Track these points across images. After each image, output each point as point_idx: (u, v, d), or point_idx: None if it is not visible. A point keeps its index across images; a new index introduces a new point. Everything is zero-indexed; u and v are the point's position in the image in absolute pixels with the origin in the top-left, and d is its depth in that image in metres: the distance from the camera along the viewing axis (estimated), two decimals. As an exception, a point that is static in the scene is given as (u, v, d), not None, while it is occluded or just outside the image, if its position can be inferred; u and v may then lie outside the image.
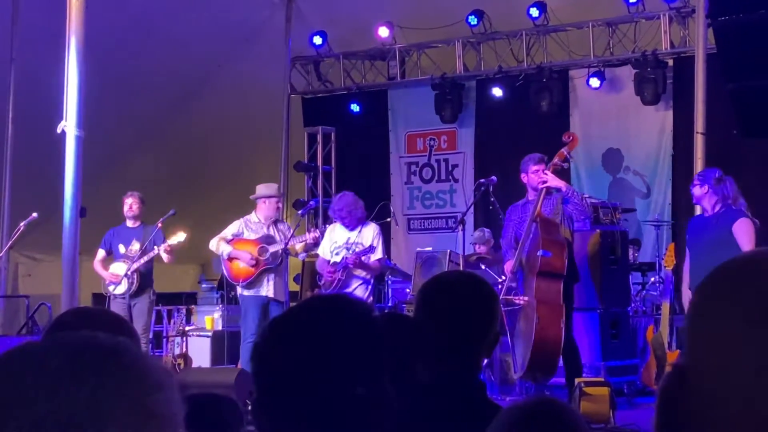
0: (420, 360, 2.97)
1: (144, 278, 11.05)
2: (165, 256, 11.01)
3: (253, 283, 10.68)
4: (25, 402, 1.14)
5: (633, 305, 11.42)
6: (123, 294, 10.98)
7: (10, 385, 1.15)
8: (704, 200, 8.61)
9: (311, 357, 1.84)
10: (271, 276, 10.68)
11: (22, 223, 11.27)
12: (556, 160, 9.46)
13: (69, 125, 8.95)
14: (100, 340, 1.22)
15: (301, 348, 1.85)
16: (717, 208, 8.54)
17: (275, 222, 10.93)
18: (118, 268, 11.08)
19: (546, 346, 8.84)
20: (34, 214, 11.18)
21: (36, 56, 12.58)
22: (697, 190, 8.65)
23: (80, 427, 1.13)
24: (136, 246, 11.08)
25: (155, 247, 10.96)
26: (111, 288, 11.08)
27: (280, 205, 11.20)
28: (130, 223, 11.25)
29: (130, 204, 11.22)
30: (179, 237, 10.94)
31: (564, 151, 9.58)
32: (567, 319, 9.11)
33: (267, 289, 10.67)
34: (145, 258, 10.95)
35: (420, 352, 2.98)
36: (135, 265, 10.96)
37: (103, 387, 1.16)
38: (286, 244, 10.65)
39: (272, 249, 10.64)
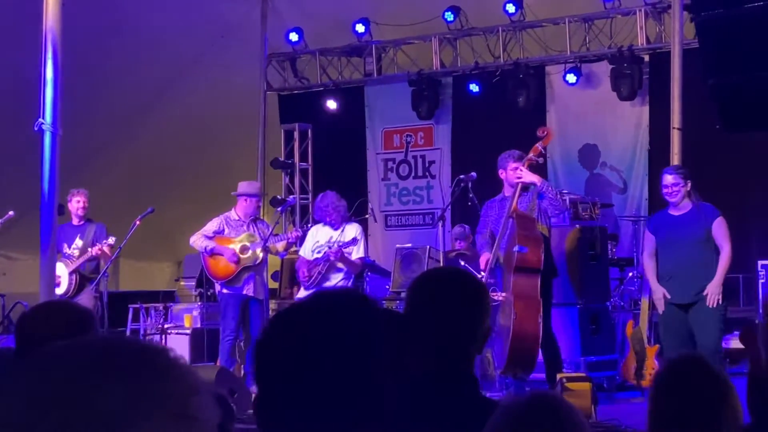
0: (411, 356, 2.96)
1: (84, 278, 10.83)
2: (103, 255, 10.77)
3: (233, 281, 10.65)
4: (60, 400, 1.11)
5: (611, 300, 11.45)
6: (62, 295, 10.77)
7: (45, 383, 1.13)
8: (679, 196, 8.60)
9: (314, 353, 1.82)
10: (251, 274, 10.66)
11: (-1, 221, 11.18)
12: (531, 155, 9.50)
13: (46, 122, 8.88)
14: (137, 341, 1.20)
15: (304, 344, 1.83)
16: (687, 206, 8.58)
17: (255, 220, 10.90)
18: (58, 268, 10.83)
19: (523, 342, 8.86)
20: (11, 213, 11.08)
21: (10, 53, 12.48)
22: (682, 189, 8.59)
23: (116, 425, 1.11)
24: (78, 244, 10.86)
25: (89, 249, 10.75)
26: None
27: (260, 204, 11.14)
28: (75, 221, 11.03)
29: (83, 202, 10.98)
30: (110, 240, 10.73)
31: (539, 146, 9.62)
32: (545, 315, 9.14)
33: (247, 287, 10.65)
34: (83, 259, 10.76)
35: (411, 348, 2.97)
36: (73, 266, 10.77)
37: (141, 387, 1.13)
38: (266, 242, 10.62)
39: (253, 248, 10.61)
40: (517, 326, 8.87)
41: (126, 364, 1.15)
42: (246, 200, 10.80)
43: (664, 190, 8.73)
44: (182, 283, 15.38)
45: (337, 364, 1.82)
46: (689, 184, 8.62)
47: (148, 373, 1.15)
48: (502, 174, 9.45)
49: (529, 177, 9.28)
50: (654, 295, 8.82)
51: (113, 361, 1.15)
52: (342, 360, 1.83)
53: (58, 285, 10.70)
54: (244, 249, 10.63)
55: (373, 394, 1.86)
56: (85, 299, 10.74)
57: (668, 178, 8.68)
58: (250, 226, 10.77)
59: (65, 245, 10.86)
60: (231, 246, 10.63)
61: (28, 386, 1.13)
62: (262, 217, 11.56)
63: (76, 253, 10.83)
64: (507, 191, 9.41)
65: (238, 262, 10.59)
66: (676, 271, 8.54)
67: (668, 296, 8.55)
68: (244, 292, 10.66)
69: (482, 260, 9.48)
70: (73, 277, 10.76)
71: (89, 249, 10.72)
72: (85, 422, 1.10)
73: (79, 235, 10.90)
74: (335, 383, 1.82)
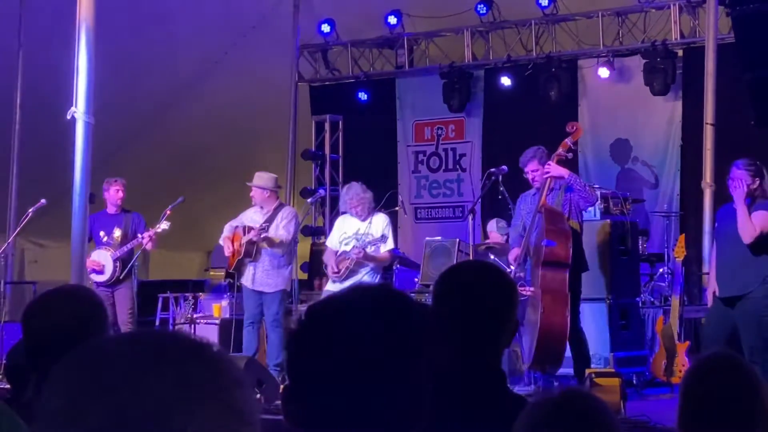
0: (438, 349, 2.94)
1: (126, 266, 10.95)
2: (148, 244, 10.91)
3: (240, 272, 10.75)
4: (108, 390, 1.14)
5: (641, 296, 11.38)
6: (105, 282, 10.90)
7: (94, 374, 1.16)
8: (743, 191, 8.33)
9: (348, 347, 1.81)
10: (251, 265, 10.66)
11: (30, 210, 11.21)
12: (560, 150, 9.46)
13: (78, 111, 8.92)
14: (183, 336, 1.24)
15: (337, 337, 1.82)
16: (747, 201, 8.34)
17: (276, 209, 10.81)
18: (100, 255, 10.93)
19: (551, 336, 8.83)
20: (43, 201, 11.12)
21: (44, 42, 12.55)
22: (747, 186, 8.30)
23: (165, 416, 1.14)
24: (117, 233, 10.96)
25: (138, 235, 10.86)
26: (93, 276, 11.00)
27: (267, 194, 10.89)
28: (111, 210, 11.11)
29: (121, 191, 11.03)
30: (164, 225, 10.84)
31: (568, 141, 9.57)
32: (573, 310, 9.10)
33: (247, 278, 10.69)
34: (129, 245, 10.86)
35: (439, 342, 2.95)
36: (118, 253, 10.85)
37: (187, 379, 1.17)
38: (260, 231, 10.57)
39: (245, 239, 10.62)
40: (544, 320, 8.85)
41: (175, 357, 1.19)
42: (251, 190, 10.84)
43: (729, 183, 8.49)
44: (212, 272, 15.43)
45: (370, 359, 1.81)
46: (757, 182, 8.32)
47: (196, 366, 1.19)
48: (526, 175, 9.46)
49: (558, 171, 9.24)
50: (708, 288, 8.72)
51: (163, 354, 1.19)
52: (376, 355, 1.81)
53: (102, 272, 10.86)
54: (243, 241, 10.68)
55: (407, 389, 1.84)
56: (126, 288, 10.86)
57: (735, 172, 8.41)
58: (266, 217, 10.75)
59: (102, 233, 10.96)
60: (236, 238, 10.71)
61: (81, 376, 1.17)
62: (288, 206, 11.37)
63: (116, 241, 10.92)
64: (537, 185, 9.39)
65: (233, 254, 10.65)
66: (722, 265, 8.43)
67: (717, 292, 8.43)
68: (243, 281, 10.75)
69: (511, 255, 9.46)
70: (117, 264, 10.86)
71: (138, 235, 10.80)
72: (135, 412, 1.13)
73: (116, 225, 10.99)
74: (368, 378, 1.80)
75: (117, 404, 1.13)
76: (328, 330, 1.84)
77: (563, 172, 9.28)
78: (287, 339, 1.90)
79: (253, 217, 10.76)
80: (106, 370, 1.16)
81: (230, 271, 10.92)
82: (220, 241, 10.87)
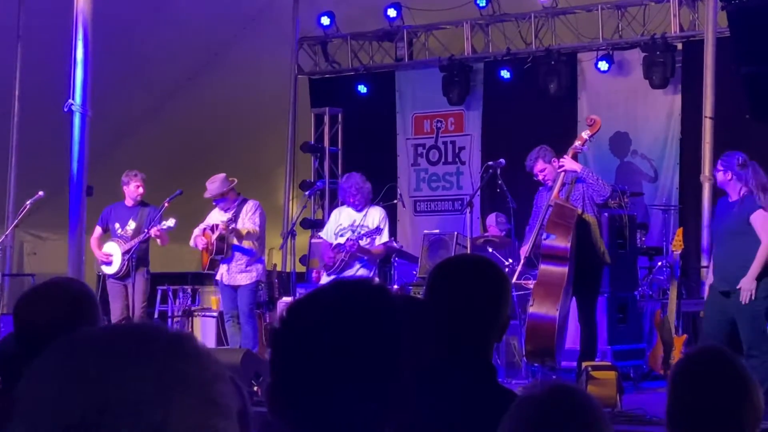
0: (427, 342, 2.94)
1: (137, 259, 10.96)
2: (158, 240, 10.96)
3: (214, 269, 10.88)
4: (89, 383, 1.16)
5: (640, 289, 11.39)
6: (114, 274, 10.94)
7: (76, 366, 1.17)
8: (728, 186, 8.43)
9: (331, 342, 1.81)
10: (224, 263, 10.79)
11: (28, 202, 11.23)
12: (576, 144, 9.44)
13: (76, 103, 8.92)
14: (165, 329, 1.26)
15: (319, 333, 1.82)
16: (741, 194, 8.39)
17: (240, 205, 10.88)
18: (111, 247, 11.01)
19: (537, 328, 8.79)
20: (41, 193, 11.14)
21: (42, 34, 12.53)
22: (720, 176, 8.43)
23: (145, 409, 1.15)
24: (132, 225, 11.00)
25: (145, 229, 10.90)
26: (104, 268, 11.04)
27: (222, 199, 10.99)
28: (129, 203, 11.16)
29: (141, 186, 11.12)
30: (169, 222, 10.87)
31: (585, 134, 9.54)
32: (588, 304, 9.09)
33: (220, 274, 10.79)
34: (137, 240, 10.87)
35: (430, 335, 2.95)
36: (127, 246, 10.88)
37: (168, 372, 1.18)
38: (228, 223, 10.67)
39: (214, 236, 10.71)
40: (532, 313, 8.84)
41: (156, 351, 1.20)
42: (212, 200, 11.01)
43: (718, 177, 8.56)
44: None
45: (353, 352, 1.81)
46: (733, 175, 8.35)
47: (177, 359, 1.20)
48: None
49: (572, 165, 9.22)
50: (707, 281, 8.78)
51: (145, 348, 1.20)
52: (358, 348, 1.82)
53: (110, 263, 10.93)
54: (212, 239, 10.77)
55: (390, 382, 1.84)
56: (139, 280, 10.88)
57: (717, 167, 8.52)
58: (230, 214, 10.84)
59: (117, 225, 11.02)
60: (206, 237, 10.84)
61: (63, 368, 1.18)
62: (251, 200, 11.29)
63: (129, 234, 10.95)
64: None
65: (204, 252, 10.76)
66: (718, 259, 8.48)
67: (714, 283, 8.48)
68: (217, 277, 10.90)
69: (522, 250, 9.45)
70: (126, 257, 10.87)
71: (145, 230, 10.84)
72: (116, 406, 1.14)
73: (132, 217, 11.04)
74: (351, 372, 1.81)
75: (98, 397, 1.14)
76: (308, 327, 1.85)
77: (576, 167, 9.27)
78: (270, 336, 1.91)
79: (218, 217, 10.84)
80: (87, 363, 1.17)
81: (205, 271, 11.04)
82: (191, 243, 10.94)
